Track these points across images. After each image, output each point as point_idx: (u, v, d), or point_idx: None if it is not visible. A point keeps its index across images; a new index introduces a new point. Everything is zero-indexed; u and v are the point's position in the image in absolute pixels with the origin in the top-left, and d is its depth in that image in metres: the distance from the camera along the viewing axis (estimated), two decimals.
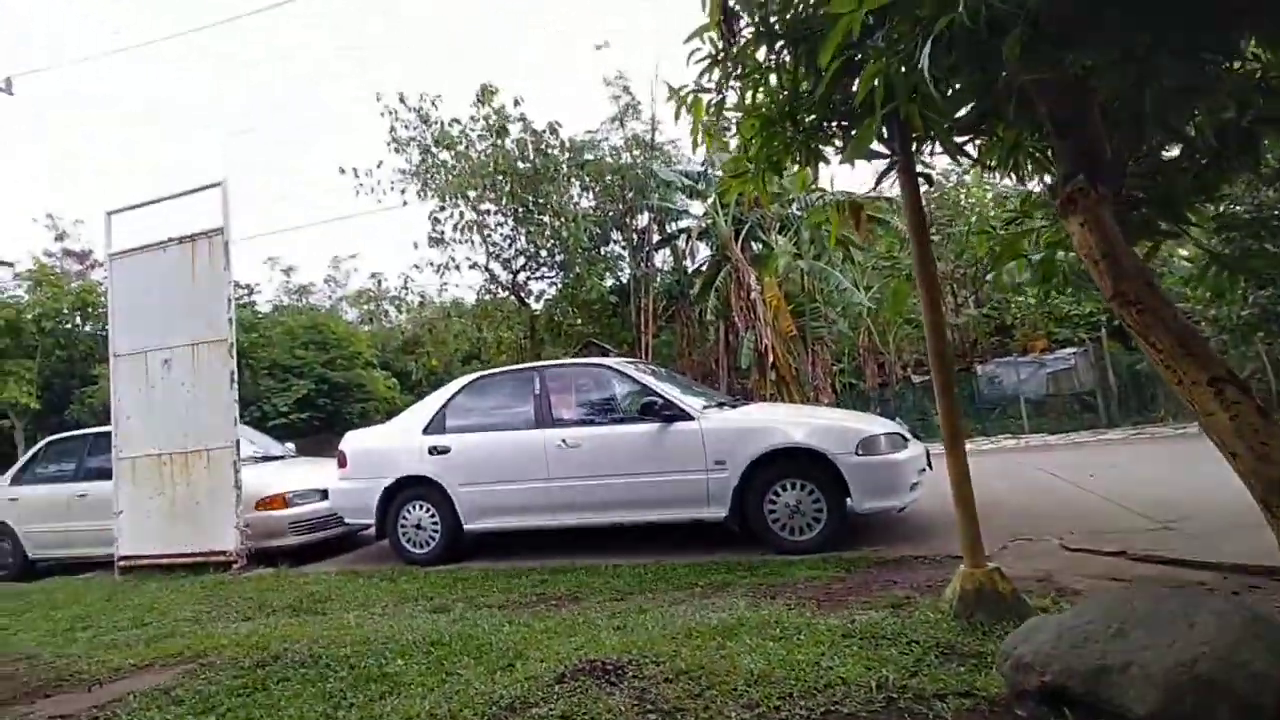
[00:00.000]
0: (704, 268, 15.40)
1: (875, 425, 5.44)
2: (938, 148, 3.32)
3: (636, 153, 14.62)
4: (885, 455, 5.09)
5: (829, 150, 3.33)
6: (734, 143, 3.86)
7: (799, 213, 14.45)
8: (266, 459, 7.75)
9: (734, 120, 3.46)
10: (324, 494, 6.64)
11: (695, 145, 3.40)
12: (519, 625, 3.63)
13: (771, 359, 13.32)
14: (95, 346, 16.76)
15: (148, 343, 6.70)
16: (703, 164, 14.90)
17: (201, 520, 6.33)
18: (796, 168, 3.50)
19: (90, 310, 16.65)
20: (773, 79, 3.06)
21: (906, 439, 5.48)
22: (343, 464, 6.36)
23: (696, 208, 15.65)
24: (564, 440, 5.66)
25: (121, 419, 6.73)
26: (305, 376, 16.88)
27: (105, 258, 6.88)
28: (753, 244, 14.77)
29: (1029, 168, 3.57)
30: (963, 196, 17.50)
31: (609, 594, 4.33)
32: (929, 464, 5.52)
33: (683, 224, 15.53)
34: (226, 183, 6.49)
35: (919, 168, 3.35)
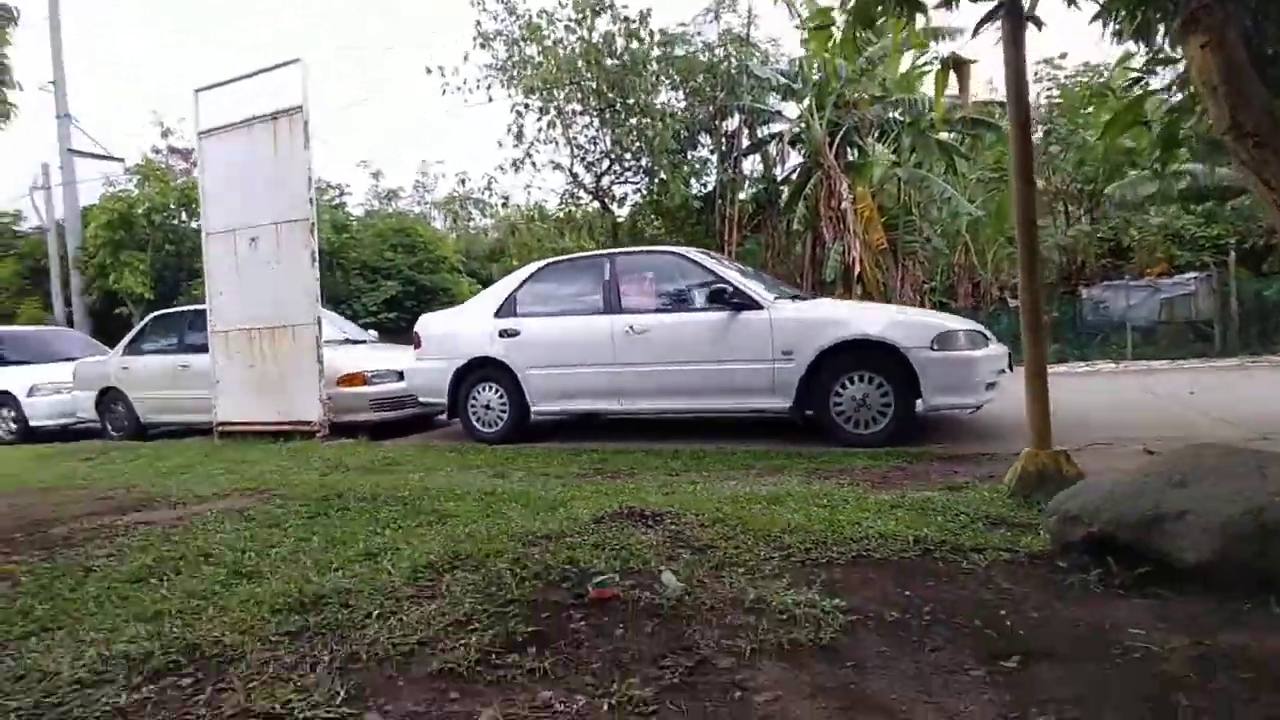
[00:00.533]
0: (794, 175, 14.76)
1: (954, 321, 5.14)
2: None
3: (731, 48, 13.90)
4: (962, 351, 4.81)
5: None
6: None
7: (899, 117, 13.54)
8: (349, 342, 8.09)
9: None
10: (401, 375, 6.90)
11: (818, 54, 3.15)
12: (571, 487, 3.69)
13: (859, 272, 12.80)
14: (200, 241, 17.76)
15: (236, 221, 6.98)
16: (798, 63, 14.07)
17: (288, 392, 6.70)
18: (890, 23, 3.20)
19: (194, 206, 17.53)
20: None
21: (988, 338, 5.16)
22: (417, 345, 6.57)
23: (790, 110, 14.85)
24: (631, 326, 5.62)
25: (214, 294, 7.12)
26: (393, 278, 17.43)
27: (195, 136, 7.12)
28: (848, 150, 14.00)
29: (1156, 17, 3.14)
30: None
31: (664, 471, 4.35)
32: (1010, 367, 5.21)
33: (774, 128, 14.80)
34: (304, 62, 6.53)
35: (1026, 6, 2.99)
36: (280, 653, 1.62)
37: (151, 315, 8.74)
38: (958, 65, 3.47)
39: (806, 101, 13.69)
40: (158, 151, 18.09)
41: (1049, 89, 16.54)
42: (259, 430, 6.76)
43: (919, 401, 4.89)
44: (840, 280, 13.13)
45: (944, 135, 13.81)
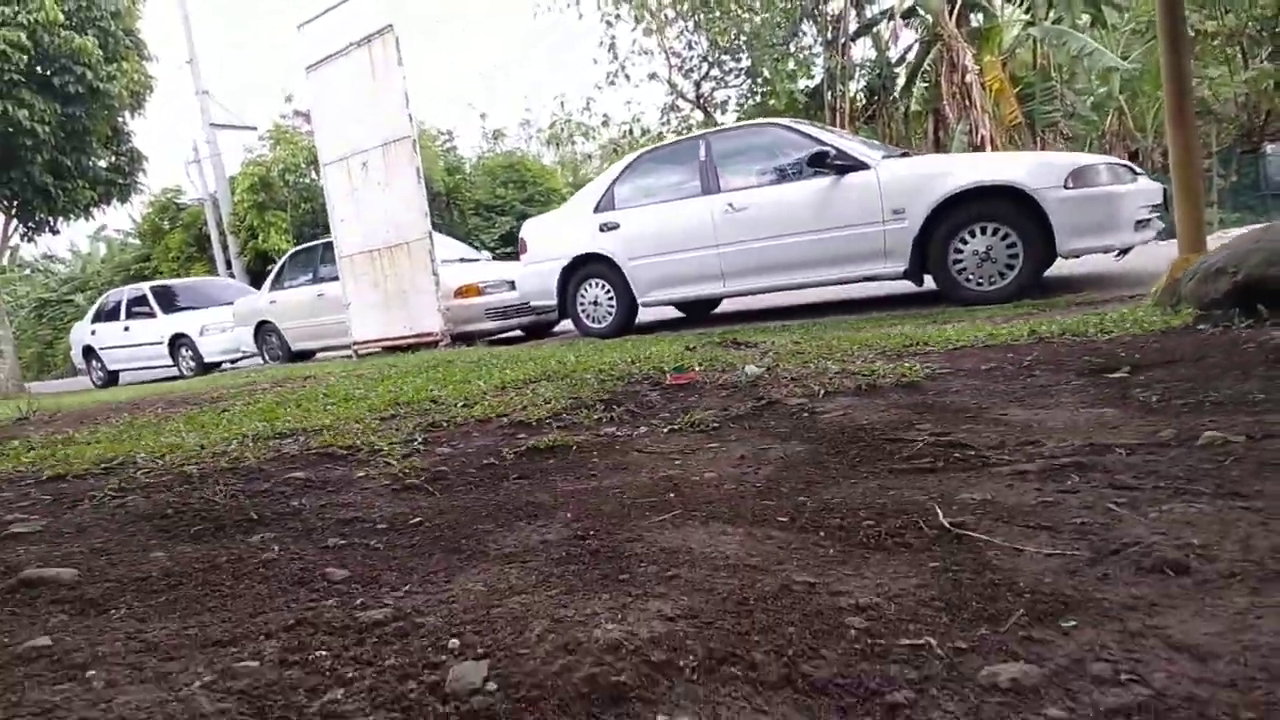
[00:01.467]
0: (909, 54, 13.63)
1: (1091, 157, 4.59)
2: None
3: None
4: (1103, 186, 4.29)
5: None
6: None
7: None
8: (464, 260, 8.40)
9: None
10: (514, 285, 7.10)
11: None
12: (688, 351, 3.66)
13: (989, 151, 11.74)
14: None
15: (347, 148, 7.32)
16: None
17: (410, 307, 7.07)
18: None
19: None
20: None
21: (1136, 172, 4.58)
22: (523, 250, 6.70)
23: None
24: (731, 204, 5.45)
25: (337, 222, 7.56)
26: (507, 213, 17.86)
27: (304, 71, 7.45)
28: (971, 16, 12.71)
29: None
30: None
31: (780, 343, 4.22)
32: (1166, 205, 4.61)
33: (884, 3, 13.67)
34: None
35: None
36: (373, 425, 1.70)
37: (290, 251, 9.45)
38: None
39: None
40: (284, 116, 19.27)
41: None
42: (390, 345, 7.21)
43: (1057, 245, 4.43)
44: None
45: None
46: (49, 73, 9.41)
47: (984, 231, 4.55)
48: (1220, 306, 1.70)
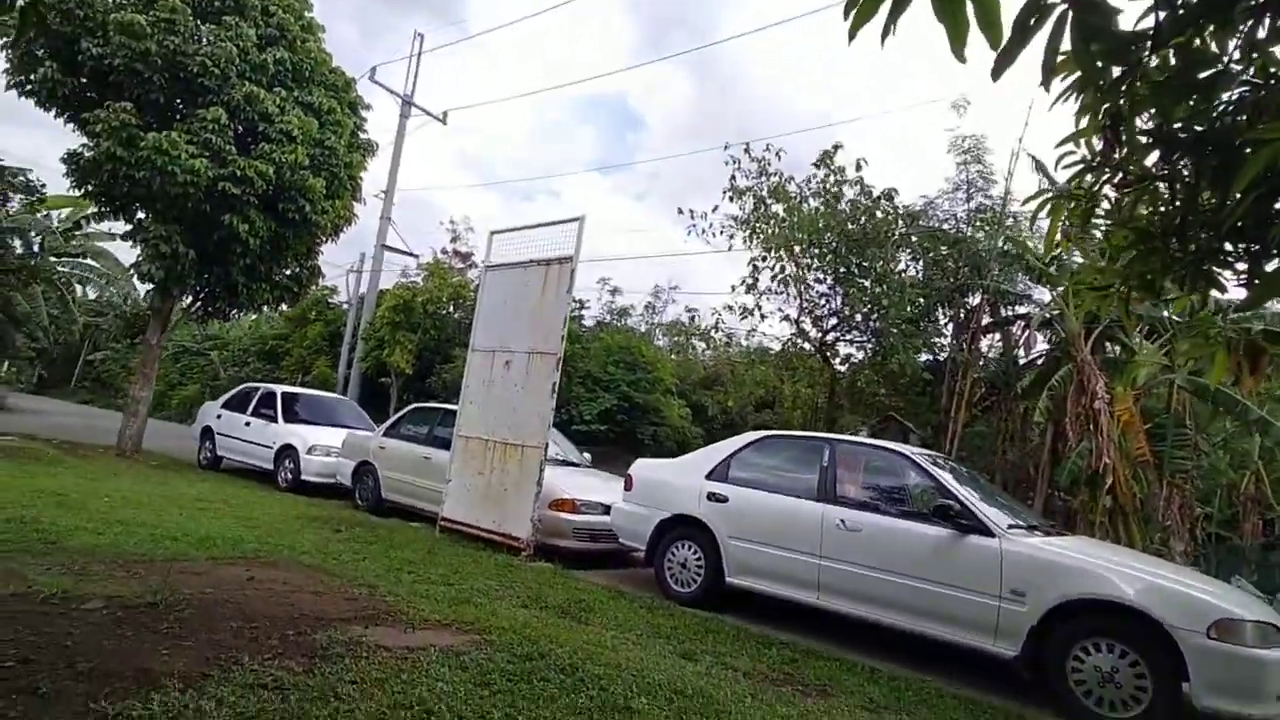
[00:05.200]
0: (1039, 361, 13.73)
1: (1240, 604, 4.34)
2: None
3: (980, 224, 13.60)
4: (1249, 649, 4.03)
5: (1226, 275, 2.77)
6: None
7: (1178, 319, 12.21)
8: (565, 463, 8.64)
9: (1103, 228, 3.05)
10: (606, 508, 7.21)
11: (1049, 250, 3.09)
12: (761, 702, 3.56)
13: (1110, 482, 11.36)
14: (457, 332, 20.24)
15: (496, 343, 7.89)
16: (1056, 251, 13.33)
17: (506, 505, 7.24)
18: (1175, 291, 2.98)
19: (460, 301, 20.21)
20: (1162, 187, 2.64)
21: None
22: (628, 487, 6.84)
23: (1041, 294, 14.03)
24: (843, 521, 5.44)
25: (466, 403, 8.02)
26: (611, 391, 18.40)
27: (483, 267, 8.25)
28: (1107, 345, 12.80)
29: None
30: None
31: (861, 699, 4.05)
32: None
33: (1021, 309, 14.01)
34: (584, 219, 7.42)
35: None
36: None
37: (411, 406, 10.03)
38: (1252, 351, 3.09)
39: (1062, 288, 12.85)
40: (445, 253, 21.20)
41: None
42: (473, 534, 7.35)
43: (1185, 688, 4.14)
44: (1085, 486, 11.73)
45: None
46: (279, 200, 10.86)
47: (1110, 649, 4.31)
48: None
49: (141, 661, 2.85)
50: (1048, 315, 13.44)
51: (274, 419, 10.95)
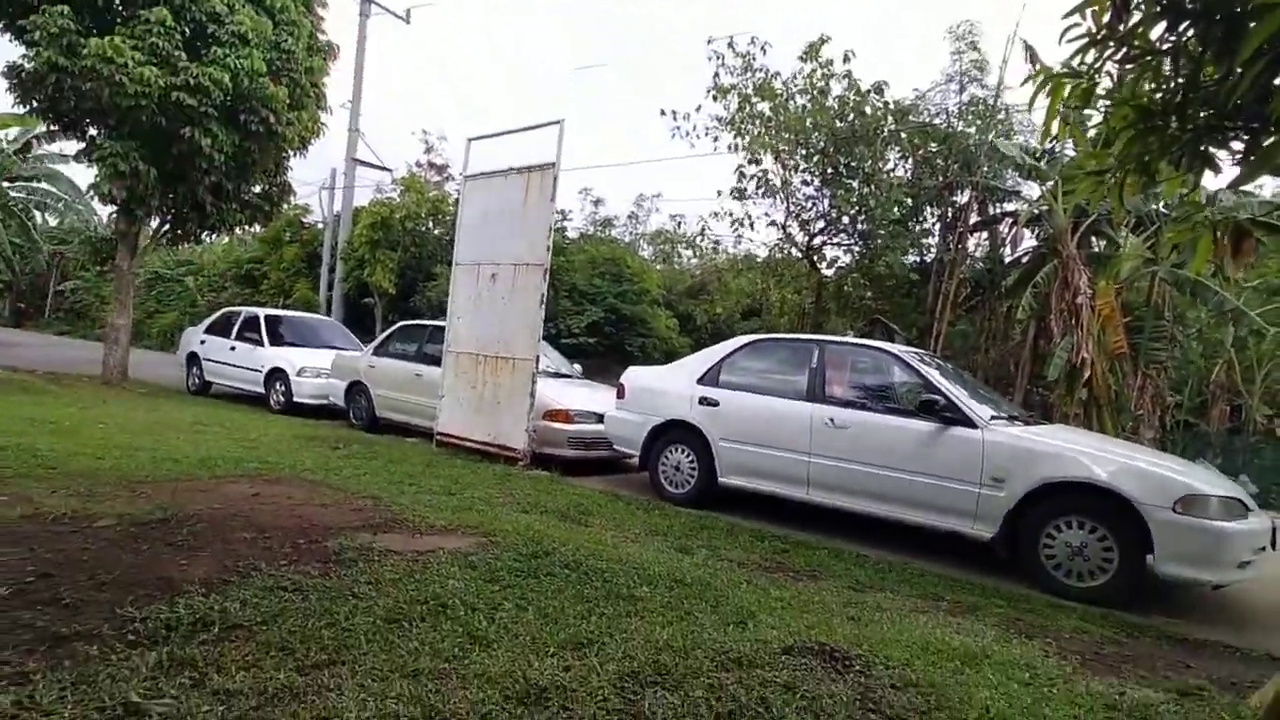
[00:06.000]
0: (1024, 259, 13.79)
1: (1206, 481, 4.57)
2: None
3: (971, 119, 13.33)
4: (1213, 521, 4.27)
5: (1222, 155, 2.77)
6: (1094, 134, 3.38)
7: (1165, 210, 12.22)
8: (557, 375, 8.72)
9: (1102, 109, 3.01)
10: (599, 417, 7.34)
11: (1046, 137, 3.06)
12: (755, 587, 3.76)
13: (1087, 375, 11.65)
14: (438, 249, 19.94)
15: (481, 256, 7.81)
16: (1051, 141, 13.15)
17: (500, 417, 7.36)
18: (1171, 172, 2.98)
19: (439, 216, 19.81)
20: (1166, 64, 2.61)
21: (1248, 508, 4.53)
22: (621, 395, 6.95)
23: (1030, 190, 13.93)
24: (832, 419, 5.59)
25: (454, 318, 8.00)
26: (598, 304, 18.36)
27: (461, 178, 8.05)
28: (1093, 240, 12.85)
29: None
30: None
31: (847, 581, 4.29)
32: (1273, 543, 4.54)
33: (1009, 206, 13.95)
34: (564, 122, 7.18)
35: None
36: None
37: (399, 324, 9.99)
38: (1237, 234, 3.13)
39: (1051, 183, 12.77)
40: (419, 165, 20.60)
41: None
42: (470, 446, 7.49)
43: (1149, 559, 4.42)
44: (1063, 380, 12.04)
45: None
46: (239, 110, 10.38)
47: (1081, 526, 4.56)
48: None
49: (161, 570, 2.95)
50: (1036, 211, 13.41)
51: (260, 343, 10.89)
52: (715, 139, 14.05)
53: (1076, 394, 11.61)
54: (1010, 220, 13.93)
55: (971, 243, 14.54)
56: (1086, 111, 3.17)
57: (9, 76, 9.92)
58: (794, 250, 15.14)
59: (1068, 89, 2.86)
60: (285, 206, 13.34)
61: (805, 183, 14.11)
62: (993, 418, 5.18)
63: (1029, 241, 13.99)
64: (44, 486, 4.29)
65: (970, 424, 5.06)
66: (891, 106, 13.06)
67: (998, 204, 14.08)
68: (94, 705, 1.88)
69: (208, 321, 12.42)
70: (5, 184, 20.87)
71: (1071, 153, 12.66)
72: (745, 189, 13.68)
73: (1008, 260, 14.17)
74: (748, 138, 13.48)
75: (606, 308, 18.69)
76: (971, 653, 3.05)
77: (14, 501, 3.85)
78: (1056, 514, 4.64)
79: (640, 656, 2.50)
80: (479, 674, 2.25)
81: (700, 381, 6.40)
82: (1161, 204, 12.41)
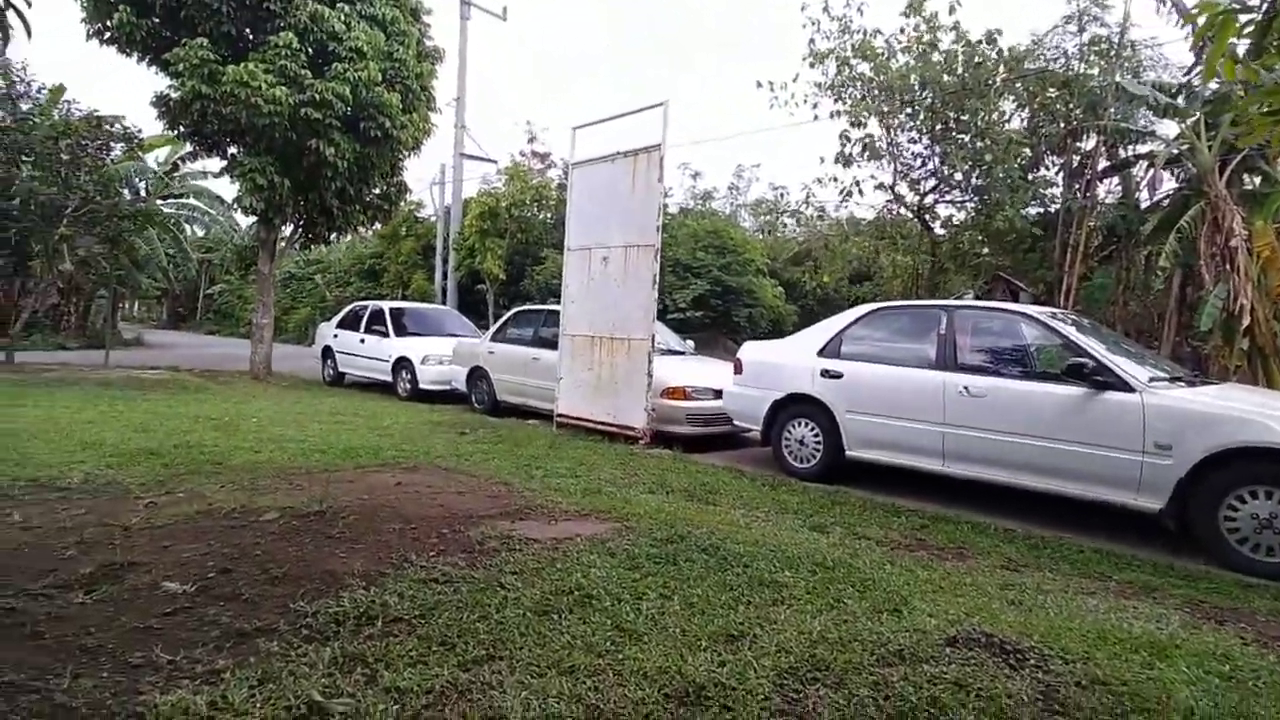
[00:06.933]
0: (1164, 203, 12.53)
1: None
2: None
3: (1094, 60, 12.16)
4: None
5: None
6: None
7: None
8: (670, 352, 8.69)
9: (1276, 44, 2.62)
10: (717, 393, 7.26)
11: (1210, 77, 2.70)
12: (900, 568, 3.60)
13: (1247, 323, 10.50)
14: (544, 233, 20.29)
15: (591, 240, 7.84)
16: (1186, 73, 11.83)
17: (618, 397, 7.41)
18: None
19: (544, 202, 20.14)
20: None
21: None
22: (738, 370, 6.83)
23: (1167, 128, 12.60)
24: (966, 388, 5.27)
25: (568, 303, 8.09)
26: (702, 277, 18.20)
27: (568, 166, 8.10)
28: (1244, 177, 11.51)
29: None
30: None
31: (998, 559, 4.04)
32: None
33: (1143, 148, 12.68)
34: (668, 104, 7.06)
35: None
36: None
37: (514, 310, 10.25)
38: None
39: (1192, 119, 11.48)
40: (523, 155, 20.97)
41: None
42: (590, 427, 7.59)
43: None
44: (1219, 330, 10.92)
45: None
46: (359, 119, 10.92)
47: (1270, 496, 4.10)
48: None
49: (324, 564, 3.12)
50: (1175, 151, 12.12)
51: (386, 334, 11.48)
52: (815, 106, 13.52)
53: (1236, 345, 10.49)
54: (1145, 163, 12.66)
55: (1101, 189, 13.36)
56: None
57: (158, 105, 10.90)
58: (904, 211, 14.41)
59: (1239, 23, 2.51)
60: (402, 203, 13.89)
61: (913, 141, 13.38)
62: (1151, 379, 4.73)
63: (1169, 184, 12.67)
64: (213, 482, 4.66)
65: (1126, 387, 4.63)
66: (1005, 55, 12.11)
67: (1129, 147, 12.82)
68: (281, 704, 1.98)
69: (338, 317, 13.20)
70: (159, 202, 22.84)
71: (1214, 86, 11.36)
72: (850, 154, 13.08)
73: (1145, 205, 12.92)
74: (849, 101, 12.88)
75: (711, 280, 18.49)
76: (1158, 642, 2.78)
77: (190, 498, 4.20)
78: (1239, 483, 4.18)
79: (796, 650, 2.42)
80: (634, 670, 2.24)
81: (821, 354, 6.19)
82: None
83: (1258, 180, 11.53)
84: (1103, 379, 4.73)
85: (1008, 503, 5.36)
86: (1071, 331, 5.12)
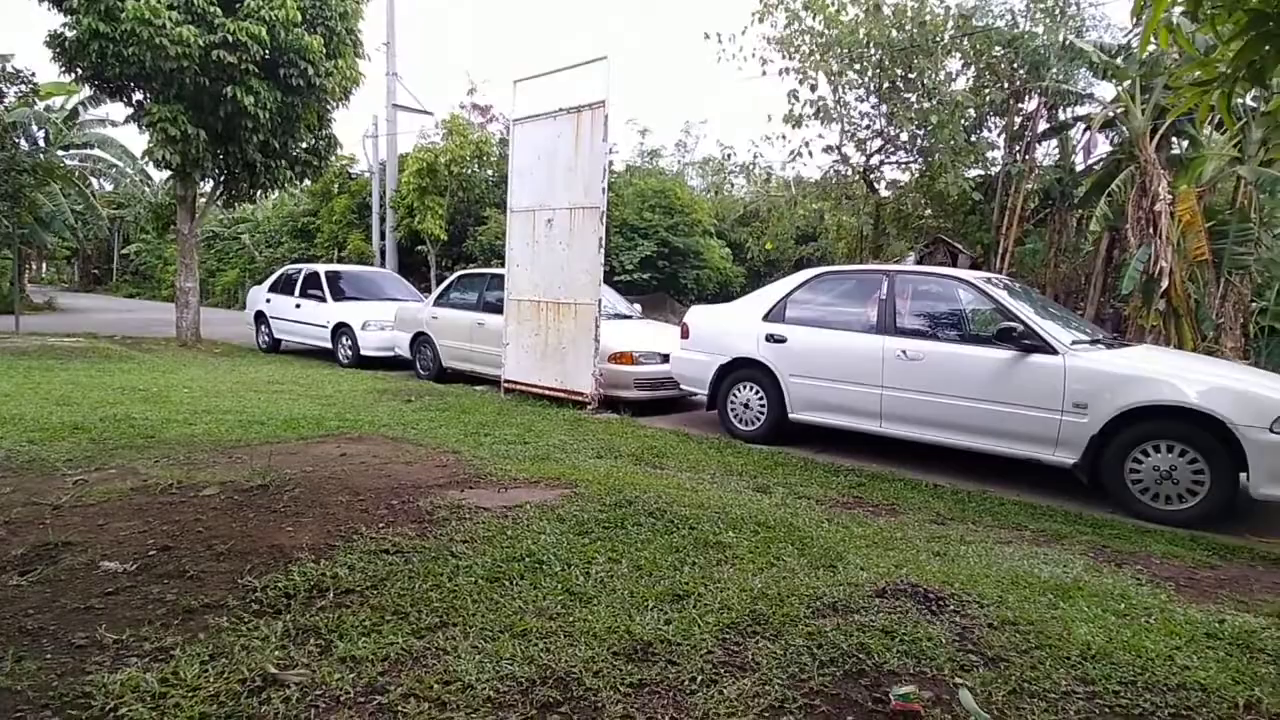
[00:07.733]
0: (1097, 166, 13.02)
1: None
2: None
3: (1039, 17, 12.41)
4: None
5: None
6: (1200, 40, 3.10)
7: (1254, 103, 11.30)
8: (617, 316, 8.72)
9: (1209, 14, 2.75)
10: (664, 357, 7.36)
11: (1146, 46, 2.82)
12: (837, 525, 3.78)
13: (1165, 285, 11.09)
14: (486, 191, 19.84)
15: (535, 202, 7.73)
16: (1127, 35, 12.18)
17: (565, 362, 7.43)
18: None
19: (485, 159, 19.64)
20: None
21: None
22: (685, 335, 6.93)
23: (1105, 91, 13.02)
24: (904, 351, 5.47)
25: (512, 266, 8.01)
26: (649, 238, 18.16)
27: (509, 122, 7.91)
28: (1173, 141, 12.01)
29: None
30: None
31: (928, 514, 4.27)
32: None
33: (1082, 110, 13.08)
34: (610, 59, 6.96)
35: None
36: (630, 706, 1.93)
37: (458, 274, 10.08)
38: None
39: (1128, 82, 11.89)
40: (462, 107, 20.36)
41: None
42: (537, 393, 7.61)
43: (1243, 479, 4.28)
44: (1139, 291, 11.50)
45: None
46: (278, 65, 10.37)
47: (1170, 449, 4.43)
48: None
49: (271, 539, 3.11)
50: (1111, 114, 12.56)
51: (323, 299, 11.15)
52: (764, 61, 13.44)
53: (1154, 305, 11.09)
54: (1083, 125, 13.09)
55: (1040, 152, 13.76)
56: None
57: (52, 45, 10.05)
58: (849, 171, 14.60)
59: None
60: (333, 159, 13.38)
61: (860, 100, 13.49)
62: (1074, 342, 5.00)
63: (1103, 148, 13.15)
64: (145, 457, 4.53)
65: (1050, 350, 4.90)
66: (953, 11, 12.25)
67: (1069, 109, 13.22)
68: (235, 678, 2.00)
69: (270, 280, 12.73)
70: (60, 152, 21.39)
71: (1151, 48, 11.73)
72: (800, 115, 13.11)
73: (1080, 169, 13.40)
74: (798, 58, 12.86)
75: (659, 241, 18.45)
76: (1063, 585, 3.02)
77: (122, 475, 4.09)
78: (1144, 438, 4.51)
79: (737, 606, 2.55)
80: (585, 631, 2.33)
81: (766, 318, 6.32)
82: (1249, 97, 11.47)
83: (1185, 144, 12.04)
84: (1030, 342, 4.98)
85: (939, 461, 5.64)
86: (1004, 296, 5.35)
